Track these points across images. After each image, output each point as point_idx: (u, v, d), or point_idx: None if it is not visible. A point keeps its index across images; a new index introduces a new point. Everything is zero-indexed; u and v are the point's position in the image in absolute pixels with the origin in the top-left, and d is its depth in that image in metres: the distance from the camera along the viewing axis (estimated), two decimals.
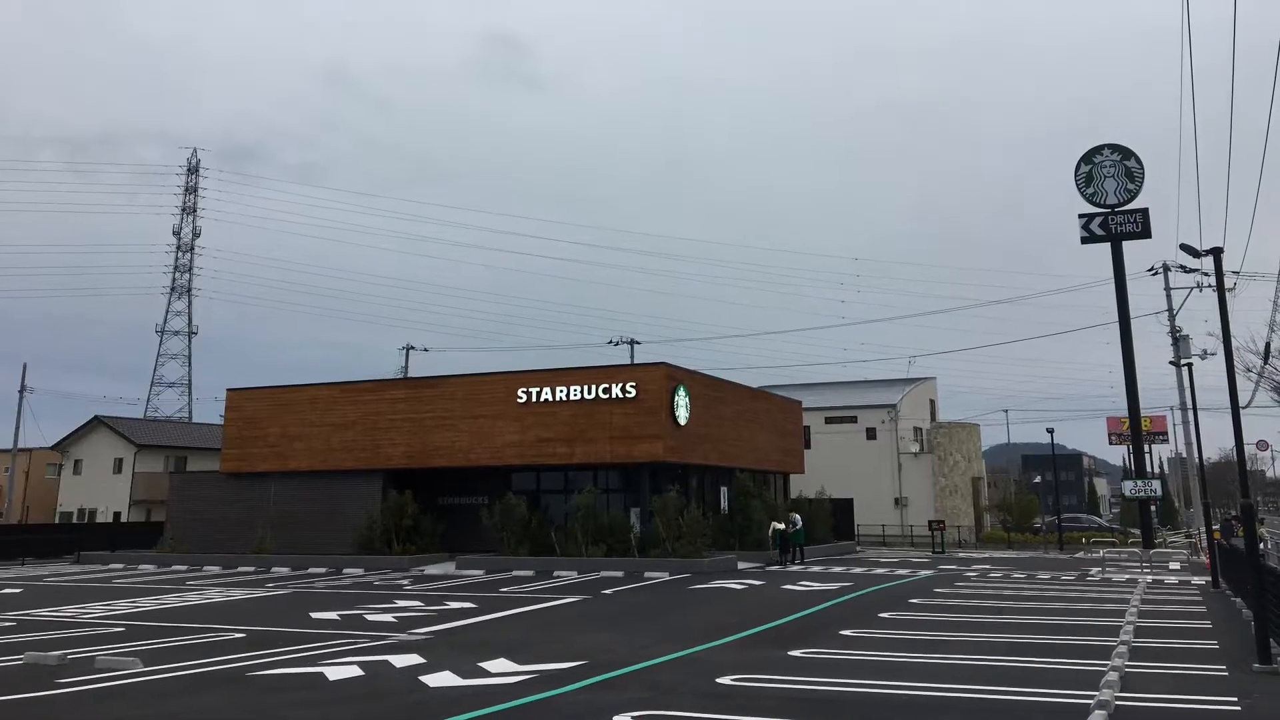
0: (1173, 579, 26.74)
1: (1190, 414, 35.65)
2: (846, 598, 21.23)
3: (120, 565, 35.07)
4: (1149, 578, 26.91)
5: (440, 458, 34.34)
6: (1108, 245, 43.22)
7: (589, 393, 32.41)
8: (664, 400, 31.53)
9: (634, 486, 33.41)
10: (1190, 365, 33.77)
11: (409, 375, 54.16)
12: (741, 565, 31.22)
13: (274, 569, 32.14)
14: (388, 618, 17.99)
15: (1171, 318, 41.58)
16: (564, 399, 32.68)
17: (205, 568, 33.24)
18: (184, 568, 33.35)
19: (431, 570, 30.58)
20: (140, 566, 34.45)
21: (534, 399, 33.06)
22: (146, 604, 21.23)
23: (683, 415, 32.33)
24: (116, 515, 48.89)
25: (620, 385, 32.08)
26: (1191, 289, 40.52)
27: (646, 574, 27.83)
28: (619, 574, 28.04)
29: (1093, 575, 27.77)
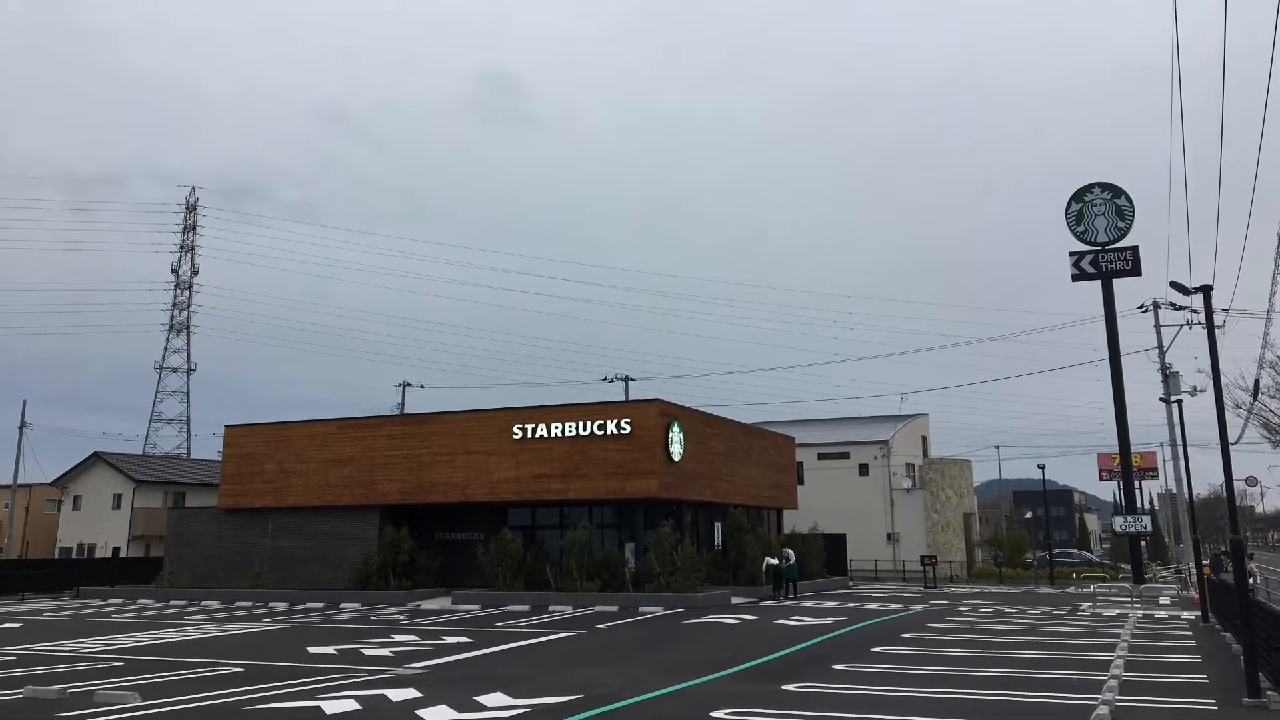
0: (1163, 614, 26.97)
1: (1180, 450, 35.95)
2: (839, 632, 21.43)
3: (119, 600, 35.08)
4: (1139, 612, 27.14)
5: (437, 494, 34.52)
6: (1098, 283, 43.79)
7: (584, 429, 32.68)
8: (658, 437, 31.81)
9: (628, 522, 33.64)
10: (1180, 402, 34.19)
11: (405, 411, 54.41)
12: (735, 600, 31.37)
13: (271, 604, 32.22)
14: (384, 652, 18.15)
15: (1161, 354, 42.08)
16: (559, 435, 32.95)
17: (203, 603, 33.27)
18: (183, 602, 33.39)
19: (428, 605, 30.68)
20: (139, 601, 34.48)
21: (529, 435, 33.32)
22: (145, 638, 21.34)
23: (677, 451, 32.60)
24: (116, 550, 48.85)
25: (615, 422, 32.36)
26: (1181, 326, 41.11)
27: (641, 609, 27.99)
28: (613, 609, 28.20)
29: (1084, 610, 27.99)
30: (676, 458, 32.56)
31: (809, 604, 30.68)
